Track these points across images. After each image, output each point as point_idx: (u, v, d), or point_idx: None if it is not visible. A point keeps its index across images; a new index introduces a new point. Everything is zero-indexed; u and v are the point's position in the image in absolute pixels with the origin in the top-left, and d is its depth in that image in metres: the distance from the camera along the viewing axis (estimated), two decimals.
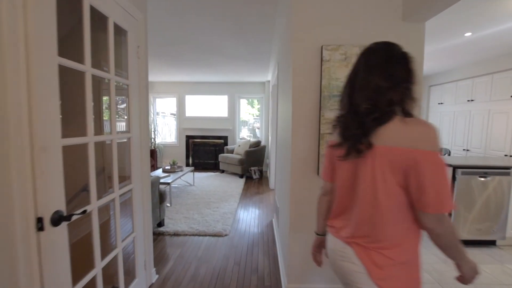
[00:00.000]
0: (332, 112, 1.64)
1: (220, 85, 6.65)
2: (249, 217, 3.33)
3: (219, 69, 5.04)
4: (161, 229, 2.89)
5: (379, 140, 0.75)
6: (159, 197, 2.83)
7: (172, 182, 3.69)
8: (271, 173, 4.79)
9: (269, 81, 6.25)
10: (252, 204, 3.90)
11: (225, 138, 6.69)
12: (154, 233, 2.82)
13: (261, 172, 5.79)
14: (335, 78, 1.64)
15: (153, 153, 5.35)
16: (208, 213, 3.39)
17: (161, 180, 3.68)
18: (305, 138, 1.70)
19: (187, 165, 6.73)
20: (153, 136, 6.65)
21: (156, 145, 6.68)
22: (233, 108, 6.70)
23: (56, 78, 1.00)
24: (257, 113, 7.35)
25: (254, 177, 5.57)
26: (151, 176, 3.62)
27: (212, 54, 3.94)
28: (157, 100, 7.01)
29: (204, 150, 6.69)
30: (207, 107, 6.82)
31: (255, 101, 7.52)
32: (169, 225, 2.99)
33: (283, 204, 2.27)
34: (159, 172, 4.25)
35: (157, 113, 7.19)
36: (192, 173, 4.89)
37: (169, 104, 7.04)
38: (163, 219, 2.99)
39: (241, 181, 5.20)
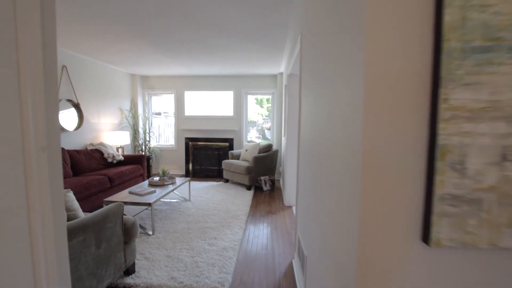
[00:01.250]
0: (473, 89, 0.65)
1: (225, 79, 5.71)
2: (259, 256, 2.35)
3: (221, 57, 4.09)
4: (129, 280, 1.95)
5: None
6: (124, 235, 1.89)
7: (155, 202, 2.75)
8: (286, 184, 3.81)
9: (281, 74, 5.27)
10: (263, 230, 2.92)
11: (230, 140, 5.74)
12: (117, 287, 1.89)
13: (272, 182, 4.80)
14: (478, 4, 0.64)
15: (141, 159, 4.45)
16: (202, 248, 2.43)
17: (141, 200, 2.75)
18: (396, 157, 0.71)
19: (187, 172, 5.81)
20: (147, 139, 5.78)
21: (150, 149, 5.80)
22: (239, 106, 5.75)
23: None
24: (267, 113, 6.44)
25: (265, 188, 4.59)
26: (132, 193, 2.63)
27: (209, 31, 2.98)
28: (154, 97, 6.13)
29: (206, 155, 5.77)
30: (210, 105, 5.90)
31: (264, 100, 6.62)
32: (142, 272, 2.04)
33: (319, 259, 1.28)
34: (144, 186, 3.33)
35: (159, 113, 6.34)
36: (188, 184, 3.96)
37: (167, 102, 6.16)
38: (133, 263, 2.05)
39: (249, 195, 4.23)
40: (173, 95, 5.91)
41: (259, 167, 4.58)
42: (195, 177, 5.68)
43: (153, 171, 5.98)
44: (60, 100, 3.68)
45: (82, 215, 1.71)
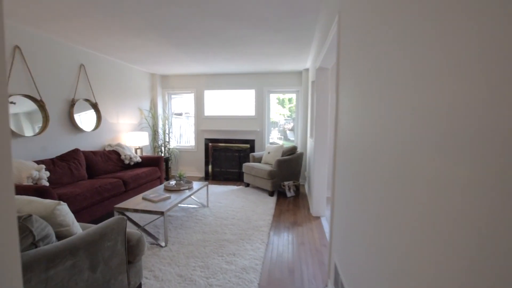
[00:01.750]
0: None
1: (246, 77, 5.41)
2: (285, 281, 1.98)
3: (241, 52, 3.78)
4: None
5: None
6: (127, 253, 1.61)
7: (168, 210, 2.48)
8: (313, 191, 3.40)
9: (307, 70, 4.86)
10: (289, 246, 2.54)
11: (251, 142, 5.42)
12: None
13: (297, 187, 4.40)
14: None
15: (159, 161, 4.25)
16: (218, 267, 2.11)
17: (154, 208, 2.50)
18: None
19: (206, 174, 5.57)
20: (167, 140, 5.63)
21: (170, 150, 5.64)
22: (261, 105, 5.41)
23: None
24: (289, 113, 6.10)
25: (289, 194, 4.20)
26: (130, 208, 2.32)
27: (228, 20, 2.68)
28: (174, 97, 5.97)
29: (225, 157, 5.49)
30: (230, 105, 5.62)
31: (286, 100, 6.27)
32: None
33: None
34: (159, 191, 3.10)
35: (180, 114, 6.18)
36: (206, 189, 3.68)
37: (187, 102, 5.97)
38: (139, 285, 1.77)
39: (271, 202, 3.87)
40: (193, 94, 5.72)
41: (282, 171, 4.20)
42: (215, 180, 5.43)
43: (172, 172, 5.82)
44: (77, 100, 3.58)
45: (77, 230, 1.46)
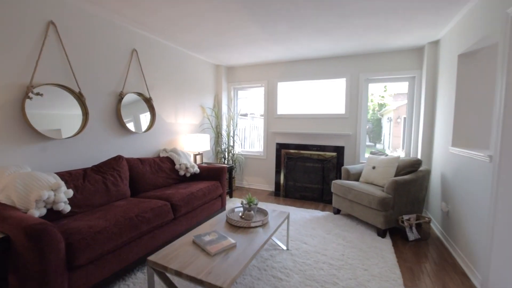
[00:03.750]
0: None
1: (334, 62, 4.02)
2: None
3: (337, 16, 2.44)
4: None
5: None
6: None
7: (232, 282, 1.34)
8: (491, 248, 1.81)
9: (436, 43, 3.19)
10: None
11: (340, 149, 3.99)
12: None
13: (419, 225, 2.79)
14: None
15: (221, 174, 3.23)
16: None
17: (204, 276, 1.39)
18: None
19: (277, 188, 4.38)
20: (231, 144, 4.68)
21: (234, 156, 4.68)
22: (355, 100, 3.94)
23: None
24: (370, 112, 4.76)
25: (411, 237, 2.65)
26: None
27: None
28: (240, 93, 5.01)
29: (303, 168, 4.20)
30: (311, 101, 4.32)
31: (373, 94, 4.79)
32: None
33: None
34: (218, 227, 2.03)
35: (246, 114, 5.23)
36: (286, 223, 2.46)
37: (254, 100, 4.92)
38: None
39: (386, 248, 2.40)
40: (263, 88, 4.63)
41: (401, 199, 2.68)
42: (288, 198, 4.21)
43: (236, 182, 4.86)
44: (126, 94, 2.84)
45: None
